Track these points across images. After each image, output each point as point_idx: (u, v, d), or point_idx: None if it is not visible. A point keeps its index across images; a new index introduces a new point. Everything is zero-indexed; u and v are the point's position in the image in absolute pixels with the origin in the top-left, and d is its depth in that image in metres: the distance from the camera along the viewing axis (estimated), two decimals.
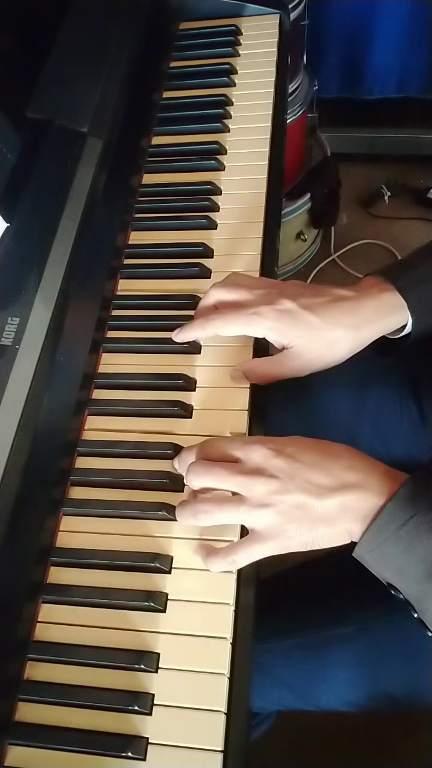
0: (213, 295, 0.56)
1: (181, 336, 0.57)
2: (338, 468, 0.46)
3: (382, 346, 0.58)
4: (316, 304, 0.53)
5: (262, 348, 0.57)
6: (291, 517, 0.45)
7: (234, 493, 0.47)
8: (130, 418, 0.55)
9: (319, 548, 0.46)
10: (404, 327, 0.56)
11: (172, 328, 0.58)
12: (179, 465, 0.50)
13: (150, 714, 0.42)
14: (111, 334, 0.60)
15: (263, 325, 0.53)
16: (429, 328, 0.56)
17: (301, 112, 1.39)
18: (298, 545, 0.46)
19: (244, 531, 0.49)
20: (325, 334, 0.53)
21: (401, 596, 0.45)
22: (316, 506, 0.45)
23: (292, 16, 1.22)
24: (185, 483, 0.51)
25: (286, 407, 0.71)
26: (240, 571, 0.47)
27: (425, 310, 0.55)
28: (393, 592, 0.46)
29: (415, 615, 0.45)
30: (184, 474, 0.49)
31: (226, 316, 0.54)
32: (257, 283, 0.56)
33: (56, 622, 0.46)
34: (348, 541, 0.46)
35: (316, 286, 0.56)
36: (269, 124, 0.73)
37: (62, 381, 0.52)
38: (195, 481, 0.47)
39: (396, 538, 0.43)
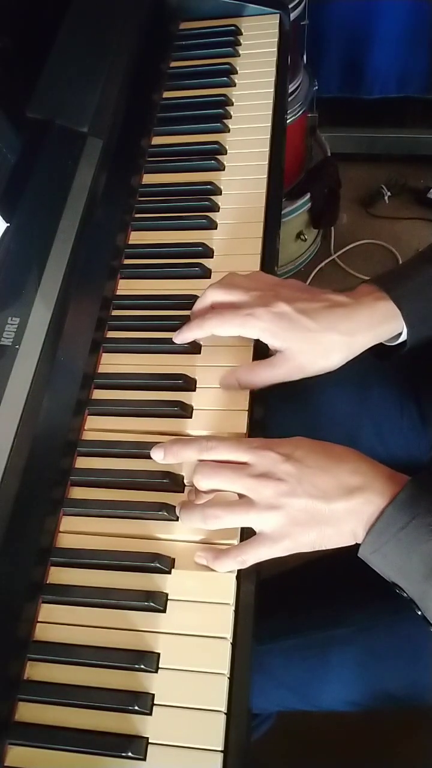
0: (209, 295, 0.56)
1: (180, 338, 0.57)
2: (344, 472, 0.46)
3: (379, 351, 0.59)
4: (312, 309, 0.53)
5: (262, 348, 0.57)
6: (299, 520, 0.45)
7: (240, 496, 0.47)
8: (130, 418, 0.55)
9: (324, 549, 0.47)
10: (400, 335, 0.56)
11: (172, 328, 0.58)
12: (166, 454, 0.50)
13: (150, 714, 0.42)
14: (111, 334, 0.60)
15: (258, 327, 0.53)
16: (424, 338, 0.56)
17: (301, 112, 1.38)
18: (304, 546, 0.46)
19: (244, 533, 0.49)
20: (319, 338, 0.53)
21: (405, 595, 0.46)
22: (323, 510, 0.45)
23: (292, 16, 1.22)
24: (188, 483, 0.51)
25: (286, 407, 0.71)
26: (240, 571, 0.47)
27: (420, 319, 0.55)
28: (397, 590, 0.46)
29: (419, 612, 0.46)
30: (160, 459, 0.50)
31: (221, 317, 0.54)
32: (253, 283, 0.56)
33: (56, 622, 0.46)
34: (353, 542, 0.47)
35: (312, 289, 0.56)
36: (269, 124, 0.73)
37: (62, 381, 0.52)
38: (203, 482, 0.47)
39: (396, 540, 0.44)
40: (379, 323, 0.54)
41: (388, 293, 0.54)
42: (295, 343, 0.53)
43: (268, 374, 0.54)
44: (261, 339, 0.54)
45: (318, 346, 0.53)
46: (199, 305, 0.57)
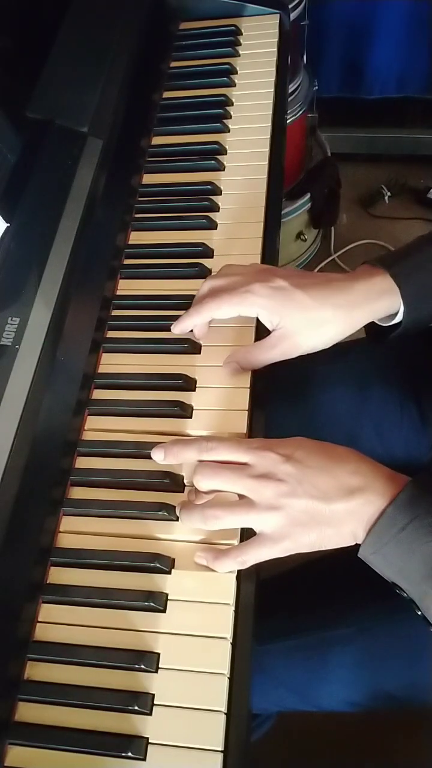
0: (206, 284, 0.56)
1: (179, 327, 0.57)
2: (344, 473, 0.46)
3: (374, 332, 0.58)
4: (308, 284, 0.53)
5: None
6: (299, 521, 0.45)
7: (240, 496, 0.48)
8: (130, 418, 0.55)
9: (324, 549, 0.47)
10: (396, 315, 0.56)
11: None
12: (166, 455, 0.50)
13: (150, 714, 0.42)
14: (111, 334, 0.60)
15: (256, 303, 0.53)
16: (420, 318, 0.56)
17: (301, 112, 1.38)
18: (304, 547, 0.46)
19: (243, 533, 0.49)
20: (314, 314, 0.53)
21: (405, 595, 0.46)
22: (323, 510, 0.45)
23: (292, 16, 1.22)
24: (188, 483, 0.51)
25: (286, 407, 0.71)
26: (240, 572, 0.47)
27: (417, 297, 0.55)
28: (398, 590, 0.46)
29: (419, 612, 0.46)
30: (160, 459, 0.50)
31: (219, 298, 0.54)
32: (249, 268, 0.56)
33: (56, 622, 0.46)
34: (353, 543, 0.47)
35: (307, 271, 0.57)
36: (269, 124, 0.73)
37: (62, 381, 0.52)
38: (203, 482, 0.47)
39: (396, 541, 0.44)
40: (375, 298, 0.54)
41: (387, 270, 0.54)
42: (291, 319, 0.53)
43: (266, 354, 0.54)
44: (259, 316, 0.54)
45: (313, 322, 0.53)
46: (197, 295, 0.57)
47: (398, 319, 0.56)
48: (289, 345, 0.54)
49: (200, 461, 0.48)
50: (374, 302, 0.54)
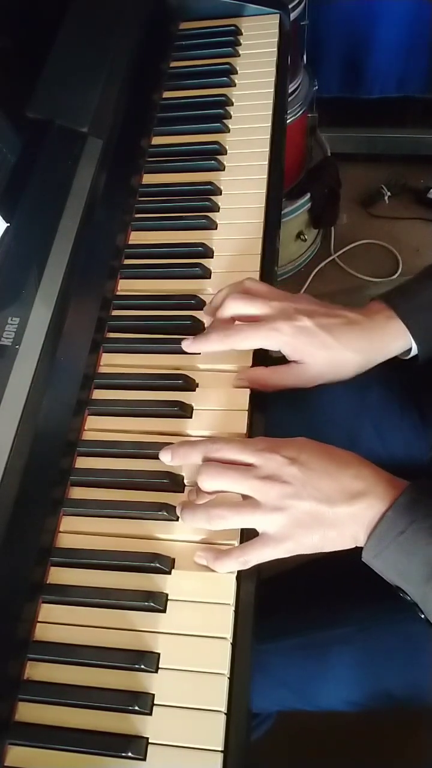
0: (230, 307, 0.55)
1: (195, 347, 0.56)
2: (347, 477, 0.47)
3: (395, 364, 0.59)
4: (332, 325, 0.55)
5: (261, 353, 0.57)
6: (302, 522, 0.46)
7: (244, 497, 0.48)
8: (130, 418, 0.55)
9: (326, 551, 0.47)
10: (410, 350, 0.57)
11: (172, 329, 0.58)
12: (173, 456, 0.50)
13: (150, 714, 0.42)
14: (111, 334, 0.60)
15: (281, 341, 0.54)
16: None
17: (301, 112, 1.39)
18: (307, 548, 0.47)
19: (243, 533, 0.49)
20: (336, 355, 0.54)
21: (408, 597, 0.46)
22: (326, 513, 0.46)
23: (292, 16, 1.22)
24: (188, 483, 0.51)
25: (286, 407, 0.71)
26: (240, 572, 0.47)
27: (428, 335, 0.56)
28: (401, 594, 0.46)
29: (422, 615, 0.46)
30: (168, 461, 0.50)
31: (245, 332, 0.54)
32: (273, 294, 0.56)
33: (56, 622, 0.46)
34: (354, 546, 0.47)
35: (327, 304, 0.57)
36: (269, 124, 0.73)
37: (62, 381, 0.52)
38: (209, 482, 0.47)
39: (396, 544, 0.44)
40: (392, 341, 0.56)
41: (395, 310, 0.56)
42: (313, 358, 0.54)
43: (281, 381, 0.55)
44: (281, 350, 0.55)
45: (333, 362, 0.55)
46: (219, 315, 0.56)
47: (414, 353, 0.57)
48: (307, 378, 0.55)
49: (205, 462, 0.48)
50: (390, 345, 0.56)
